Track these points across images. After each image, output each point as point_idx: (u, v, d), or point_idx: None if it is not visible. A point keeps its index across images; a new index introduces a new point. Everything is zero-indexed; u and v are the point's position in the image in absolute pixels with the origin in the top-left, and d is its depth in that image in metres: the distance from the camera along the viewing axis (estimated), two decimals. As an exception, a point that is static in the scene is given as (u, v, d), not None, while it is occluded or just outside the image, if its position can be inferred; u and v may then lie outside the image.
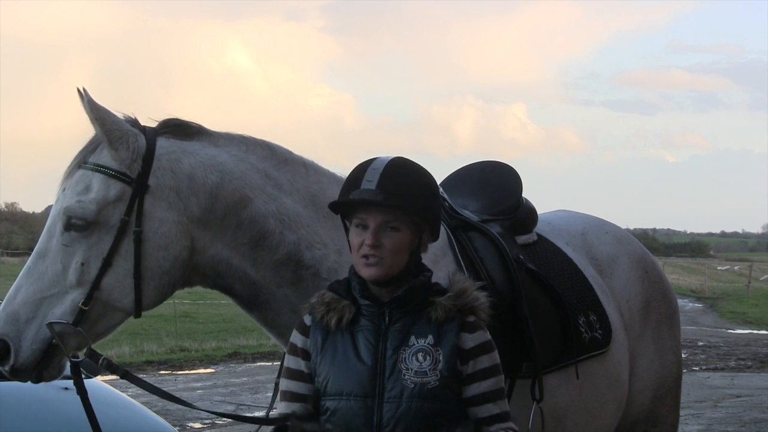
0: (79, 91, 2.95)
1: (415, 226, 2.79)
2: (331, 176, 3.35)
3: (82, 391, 3.06)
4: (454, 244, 3.45)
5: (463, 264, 3.37)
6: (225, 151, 3.14)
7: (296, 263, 3.14)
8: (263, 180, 3.15)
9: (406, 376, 2.70)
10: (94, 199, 2.91)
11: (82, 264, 2.90)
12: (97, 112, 2.93)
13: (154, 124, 3.11)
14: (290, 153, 3.30)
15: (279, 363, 3.51)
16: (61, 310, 2.88)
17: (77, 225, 2.89)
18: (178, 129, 3.12)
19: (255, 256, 3.10)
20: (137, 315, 3.03)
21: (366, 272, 2.75)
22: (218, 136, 3.19)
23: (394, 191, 2.74)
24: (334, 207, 2.85)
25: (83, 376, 3.93)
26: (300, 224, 3.16)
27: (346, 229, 2.88)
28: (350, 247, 2.84)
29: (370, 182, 2.76)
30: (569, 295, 3.74)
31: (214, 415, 11.08)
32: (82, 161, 2.99)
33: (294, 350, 2.86)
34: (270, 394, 3.44)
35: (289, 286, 3.15)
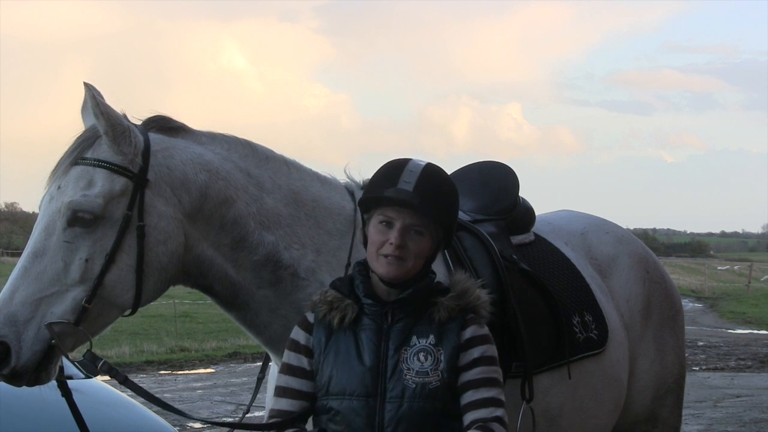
0: (86, 84, 2.95)
1: (436, 234, 2.83)
2: (313, 174, 3.36)
3: (66, 393, 3.05)
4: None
5: (451, 263, 3.38)
6: (209, 149, 3.15)
7: (275, 264, 3.14)
8: (246, 179, 3.15)
9: (408, 376, 2.72)
10: (99, 193, 2.89)
11: (87, 260, 2.87)
12: (103, 107, 2.93)
13: (137, 122, 3.11)
14: (271, 151, 3.30)
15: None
16: (62, 309, 2.84)
17: (84, 219, 2.86)
18: (163, 125, 3.12)
19: (235, 257, 3.11)
20: (133, 311, 3.02)
21: (384, 270, 2.76)
22: (200, 134, 3.19)
23: (429, 197, 2.78)
24: (366, 199, 2.85)
25: (83, 376, 3.92)
26: (279, 224, 3.17)
27: (363, 222, 2.89)
28: (364, 241, 2.85)
29: (407, 183, 2.78)
30: (564, 295, 3.74)
31: (214, 416, 11.08)
32: (78, 158, 2.96)
33: (296, 347, 2.86)
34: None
35: (269, 287, 3.15)
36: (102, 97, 2.96)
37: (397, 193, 2.77)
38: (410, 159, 2.87)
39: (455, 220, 2.92)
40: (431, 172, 2.85)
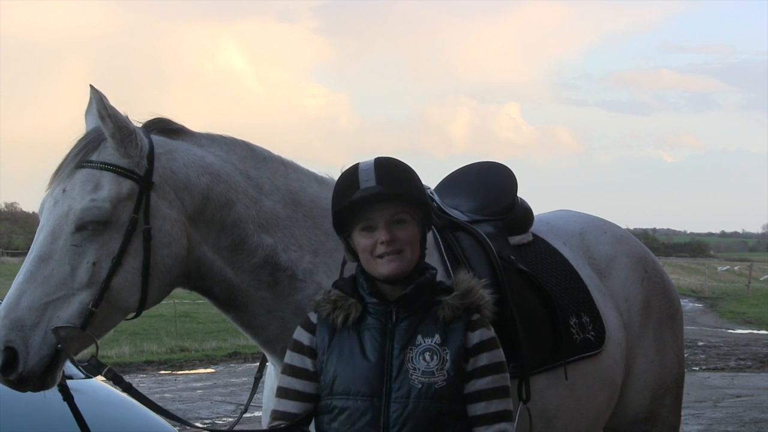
0: (92, 87, 2.94)
1: (417, 216, 2.84)
2: (310, 175, 3.37)
3: (68, 396, 3.06)
4: (441, 243, 3.47)
5: (449, 263, 3.38)
6: (209, 152, 3.15)
7: (273, 266, 3.14)
8: (245, 182, 3.16)
9: (413, 376, 2.72)
10: (107, 197, 2.89)
11: (94, 264, 2.85)
12: (110, 110, 2.92)
13: (137, 123, 3.10)
14: (269, 152, 3.31)
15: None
16: (68, 313, 2.83)
17: (91, 224, 2.86)
18: (164, 128, 3.13)
19: (234, 259, 3.11)
20: (137, 314, 3.02)
21: (387, 269, 2.76)
22: (200, 136, 3.20)
23: (394, 182, 2.80)
24: (340, 215, 2.85)
25: (83, 376, 3.93)
26: (277, 226, 3.17)
27: (347, 244, 2.88)
28: (354, 256, 2.85)
29: (368, 181, 2.79)
30: (562, 296, 3.75)
31: (214, 416, 11.09)
32: (83, 160, 2.94)
33: (300, 348, 2.86)
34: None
35: (267, 289, 3.16)
36: (108, 100, 2.96)
37: (364, 192, 2.78)
38: (358, 162, 2.88)
39: (425, 195, 2.93)
40: (383, 161, 2.87)
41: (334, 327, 2.80)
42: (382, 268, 2.76)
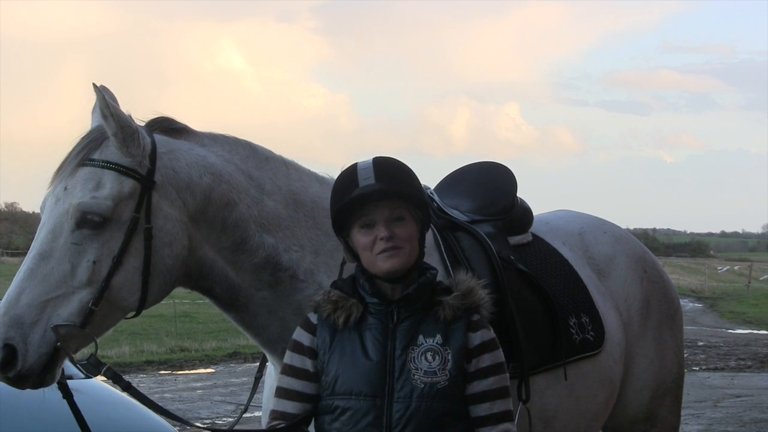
0: (94, 85, 2.94)
1: (415, 215, 2.85)
2: (311, 175, 3.37)
3: (68, 395, 3.07)
4: (441, 243, 3.48)
5: (449, 263, 3.39)
6: (211, 152, 3.15)
7: (274, 266, 3.15)
8: (247, 182, 3.16)
9: (416, 376, 2.72)
10: (109, 195, 2.89)
11: (95, 262, 2.86)
12: (113, 109, 2.92)
13: (140, 122, 3.10)
14: (270, 152, 3.32)
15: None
16: (68, 311, 2.83)
17: (92, 222, 2.86)
18: (166, 127, 3.13)
19: (235, 259, 3.11)
20: (137, 314, 3.02)
21: (386, 265, 2.76)
22: (203, 135, 3.20)
23: (393, 181, 2.82)
24: (339, 213, 2.85)
25: (83, 376, 3.92)
26: (279, 227, 3.18)
27: (345, 245, 2.88)
28: (353, 256, 2.86)
29: (367, 179, 2.81)
30: (561, 296, 3.76)
31: (214, 416, 11.10)
32: (85, 159, 2.94)
33: (300, 348, 2.86)
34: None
35: (268, 289, 3.16)
36: (114, 100, 2.96)
37: (363, 190, 2.79)
38: (357, 162, 2.90)
39: (424, 194, 2.94)
40: (382, 161, 2.88)
41: (335, 327, 2.81)
42: (382, 263, 2.77)
